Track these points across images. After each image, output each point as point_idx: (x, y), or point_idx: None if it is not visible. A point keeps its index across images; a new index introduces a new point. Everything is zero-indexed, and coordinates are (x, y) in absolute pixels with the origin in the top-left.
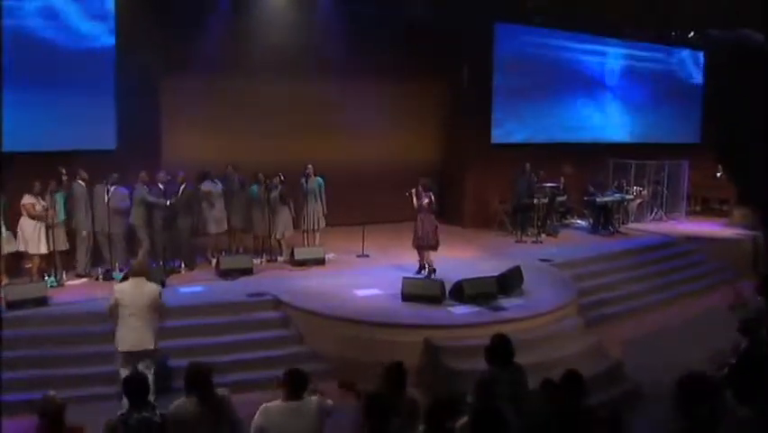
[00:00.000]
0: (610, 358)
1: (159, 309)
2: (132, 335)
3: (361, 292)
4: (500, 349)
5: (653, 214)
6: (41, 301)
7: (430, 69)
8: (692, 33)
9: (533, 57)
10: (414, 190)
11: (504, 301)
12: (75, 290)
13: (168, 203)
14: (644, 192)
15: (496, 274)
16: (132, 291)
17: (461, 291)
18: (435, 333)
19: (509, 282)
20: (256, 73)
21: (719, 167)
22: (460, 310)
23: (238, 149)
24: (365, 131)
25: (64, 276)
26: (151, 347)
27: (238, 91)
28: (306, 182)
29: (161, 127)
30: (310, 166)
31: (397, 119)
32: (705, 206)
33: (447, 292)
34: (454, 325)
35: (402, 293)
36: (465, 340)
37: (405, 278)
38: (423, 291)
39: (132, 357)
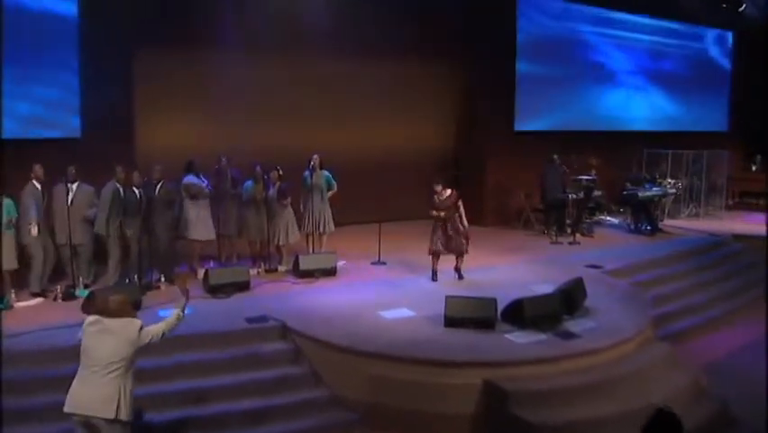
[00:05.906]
0: (715, 396)
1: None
2: (87, 393)
3: (388, 314)
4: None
5: (689, 209)
6: None
7: (447, 49)
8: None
9: (558, 36)
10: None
11: (571, 324)
12: (27, 316)
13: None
14: (680, 185)
15: (545, 287)
16: (94, 337)
17: (521, 313)
18: (497, 372)
19: (573, 299)
20: (248, 48)
21: (757, 157)
22: (521, 339)
23: (227, 136)
24: (374, 116)
25: (14, 296)
26: (111, 417)
27: (227, 69)
28: (311, 176)
29: (134, 110)
30: (316, 156)
31: (410, 104)
32: (740, 199)
33: (499, 313)
34: (520, 360)
35: (445, 316)
36: (536, 381)
37: (449, 297)
38: (472, 314)
39: (82, 425)
